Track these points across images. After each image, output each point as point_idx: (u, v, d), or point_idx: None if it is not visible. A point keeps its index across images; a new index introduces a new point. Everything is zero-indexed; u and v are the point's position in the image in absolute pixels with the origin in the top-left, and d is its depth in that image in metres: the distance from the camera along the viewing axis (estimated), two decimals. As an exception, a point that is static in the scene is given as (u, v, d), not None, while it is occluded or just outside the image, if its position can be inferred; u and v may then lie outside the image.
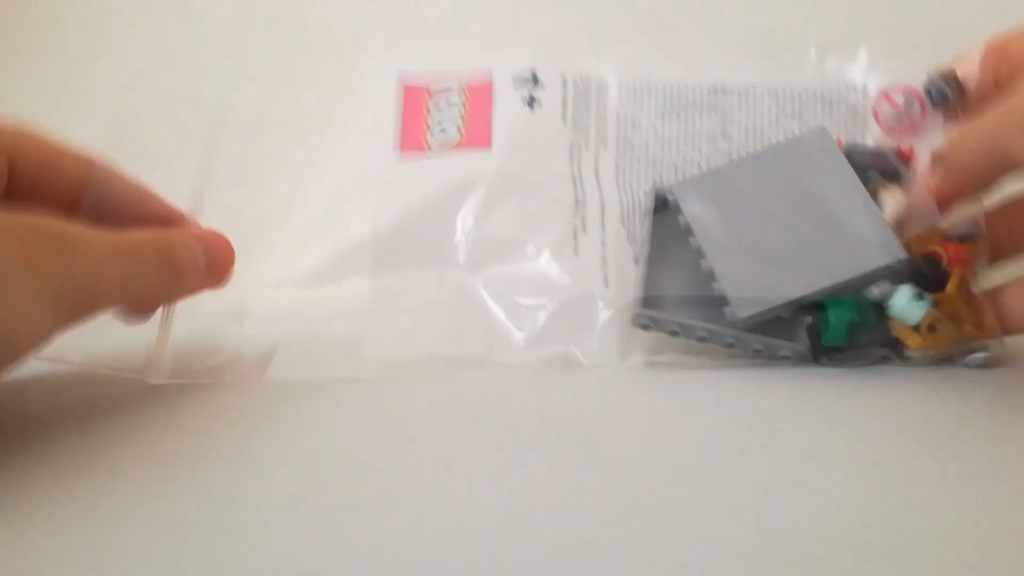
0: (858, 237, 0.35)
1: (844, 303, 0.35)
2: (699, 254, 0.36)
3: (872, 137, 0.40)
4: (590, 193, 0.41)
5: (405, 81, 0.42)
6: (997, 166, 0.34)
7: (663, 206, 0.39)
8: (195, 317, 0.34)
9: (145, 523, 0.22)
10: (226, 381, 0.35)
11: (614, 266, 0.39)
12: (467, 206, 0.40)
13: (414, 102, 0.41)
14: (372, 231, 0.39)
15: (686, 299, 0.37)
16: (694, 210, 0.37)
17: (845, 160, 0.37)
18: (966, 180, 0.35)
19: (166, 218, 0.33)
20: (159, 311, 0.33)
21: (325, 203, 0.40)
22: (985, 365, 0.35)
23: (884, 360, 0.36)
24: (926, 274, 0.35)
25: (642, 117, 0.42)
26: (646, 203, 0.39)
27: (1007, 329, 0.35)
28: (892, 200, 0.36)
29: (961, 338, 0.35)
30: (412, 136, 0.41)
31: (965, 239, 0.36)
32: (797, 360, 0.36)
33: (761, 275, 0.35)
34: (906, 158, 0.38)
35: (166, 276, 0.31)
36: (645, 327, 0.36)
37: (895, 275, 0.34)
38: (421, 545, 0.21)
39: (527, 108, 0.41)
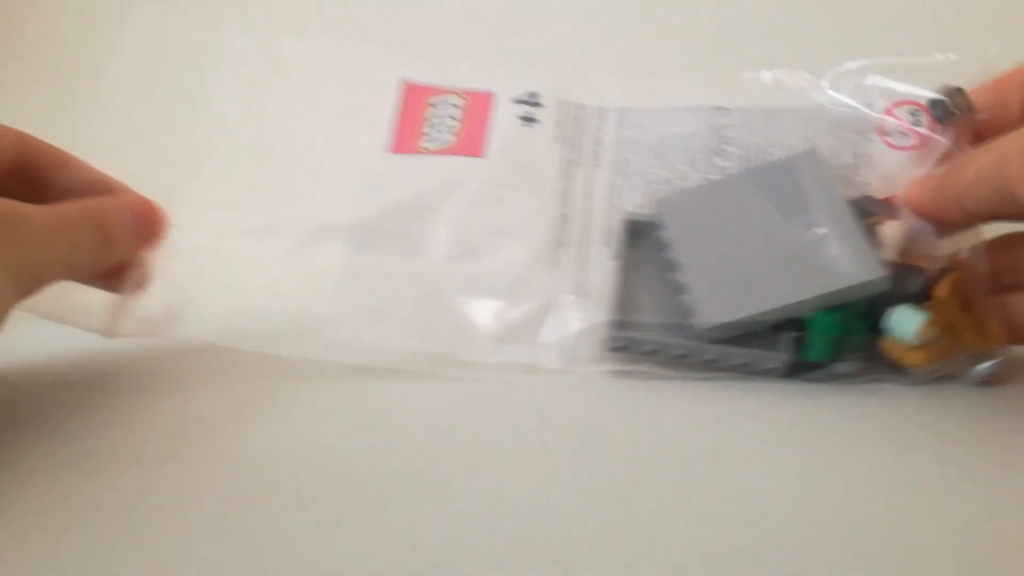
0: (837, 254, 0.33)
1: (830, 317, 0.32)
2: (674, 267, 0.35)
3: (878, 157, 0.38)
4: (577, 209, 0.40)
5: (407, 80, 0.42)
6: (998, 206, 0.31)
7: (646, 229, 0.37)
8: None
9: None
10: (181, 339, 0.36)
11: (592, 281, 0.38)
12: (451, 206, 0.39)
13: (413, 103, 0.42)
14: (352, 216, 0.39)
15: (662, 323, 0.35)
16: (674, 225, 0.36)
17: (833, 181, 0.35)
18: (955, 209, 0.32)
19: (96, 187, 0.34)
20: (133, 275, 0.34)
21: (308, 184, 0.40)
22: (990, 379, 0.32)
23: (879, 380, 0.33)
24: (913, 290, 0.32)
25: (640, 139, 0.41)
26: (624, 223, 0.38)
27: (1016, 338, 0.31)
28: (891, 230, 0.34)
29: (961, 349, 0.32)
30: (406, 137, 0.41)
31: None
32: (779, 375, 0.33)
33: (733, 289, 0.33)
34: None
35: (98, 242, 0.31)
36: (617, 350, 0.35)
37: (874, 291, 0.32)
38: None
39: (523, 124, 0.41)
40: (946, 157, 0.35)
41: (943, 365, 0.32)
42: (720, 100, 0.41)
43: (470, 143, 0.41)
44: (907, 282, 0.32)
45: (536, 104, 0.42)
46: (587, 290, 0.37)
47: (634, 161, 0.41)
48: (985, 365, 0.32)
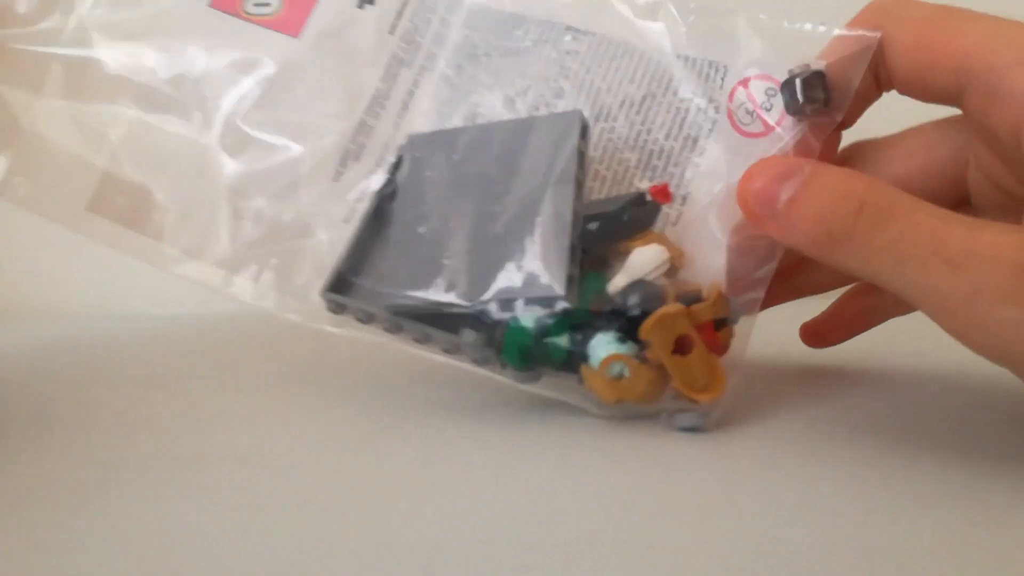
0: (532, 258, 0.27)
1: (524, 324, 0.27)
2: (389, 222, 0.30)
3: (719, 137, 0.30)
4: (386, 120, 0.34)
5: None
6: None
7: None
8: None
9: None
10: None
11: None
12: (244, 90, 0.34)
13: None
14: (152, 72, 0.35)
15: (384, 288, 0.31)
16: (409, 171, 0.32)
17: (574, 163, 0.28)
18: (815, 237, 0.25)
19: None
20: None
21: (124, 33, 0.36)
22: (694, 428, 0.27)
23: (580, 408, 0.29)
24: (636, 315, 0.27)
25: (481, 46, 0.34)
26: (400, 149, 0.33)
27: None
28: (643, 258, 0.27)
29: (660, 392, 0.27)
30: None
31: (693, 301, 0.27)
32: (488, 365, 0.29)
33: (420, 264, 0.29)
34: (664, 198, 0.28)
35: None
36: (335, 311, 0.31)
37: (553, 306, 0.27)
38: None
39: (355, 4, 0.35)
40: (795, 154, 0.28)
41: (638, 405, 0.27)
42: (578, 18, 0.33)
43: (290, 18, 0.35)
44: (639, 304, 0.27)
45: (379, -22, 0.35)
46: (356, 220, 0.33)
47: (468, 73, 0.34)
48: (685, 417, 0.27)
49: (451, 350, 0.29)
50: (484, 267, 0.28)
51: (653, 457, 0.25)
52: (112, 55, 0.35)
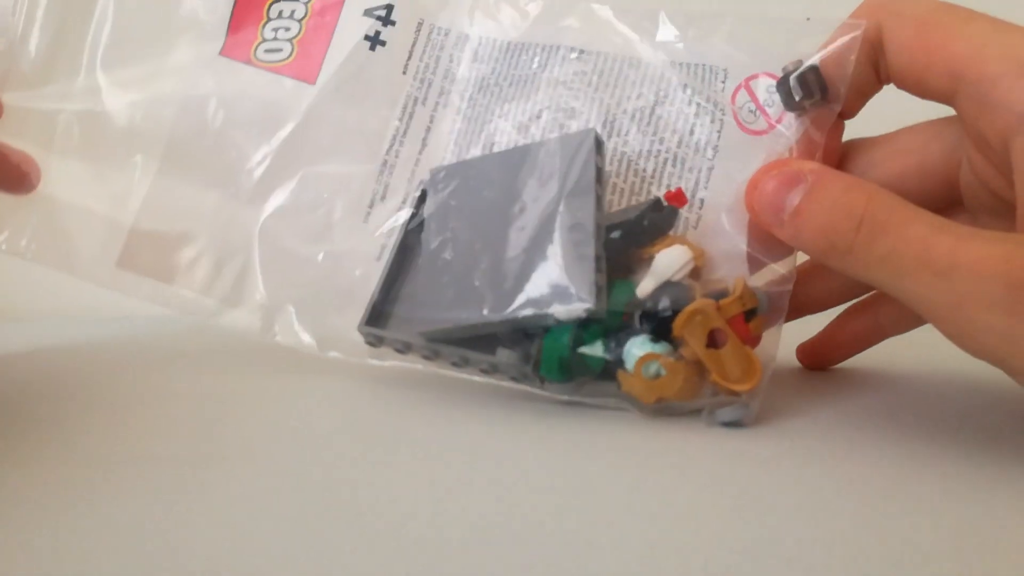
0: (561, 272, 0.28)
1: (559, 336, 0.28)
2: (418, 253, 0.32)
3: (727, 138, 0.31)
4: (406, 157, 0.36)
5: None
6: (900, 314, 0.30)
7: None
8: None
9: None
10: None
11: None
12: (271, 138, 0.36)
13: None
14: (172, 126, 0.36)
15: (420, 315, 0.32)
16: (434, 202, 0.33)
17: (592, 177, 0.29)
18: (820, 248, 0.26)
19: None
20: None
21: (134, 85, 0.36)
22: (737, 422, 0.28)
23: (621, 408, 0.29)
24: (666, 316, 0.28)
25: (492, 76, 0.36)
26: (423, 184, 0.34)
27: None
28: (668, 259, 0.28)
29: (697, 388, 0.28)
30: (242, 37, 0.36)
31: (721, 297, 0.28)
32: (527, 381, 0.30)
33: (457, 290, 0.30)
34: (679, 202, 0.29)
35: None
36: (373, 344, 0.32)
37: (586, 316, 0.28)
38: None
39: (367, 47, 0.37)
40: (799, 153, 0.29)
41: (679, 403, 0.28)
42: (580, 40, 0.34)
43: (305, 62, 0.36)
44: (670, 304, 0.28)
45: (388, 22, 0.37)
46: (387, 255, 0.34)
47: (481, 104, 0.36)
48: (726, 411, 0.27)
49: (489, 370, 0.30)
50: (513, 285, 0.28)
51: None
52: (127, 110, 0.36)
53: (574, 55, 0.35)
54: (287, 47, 0.36)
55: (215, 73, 0.36)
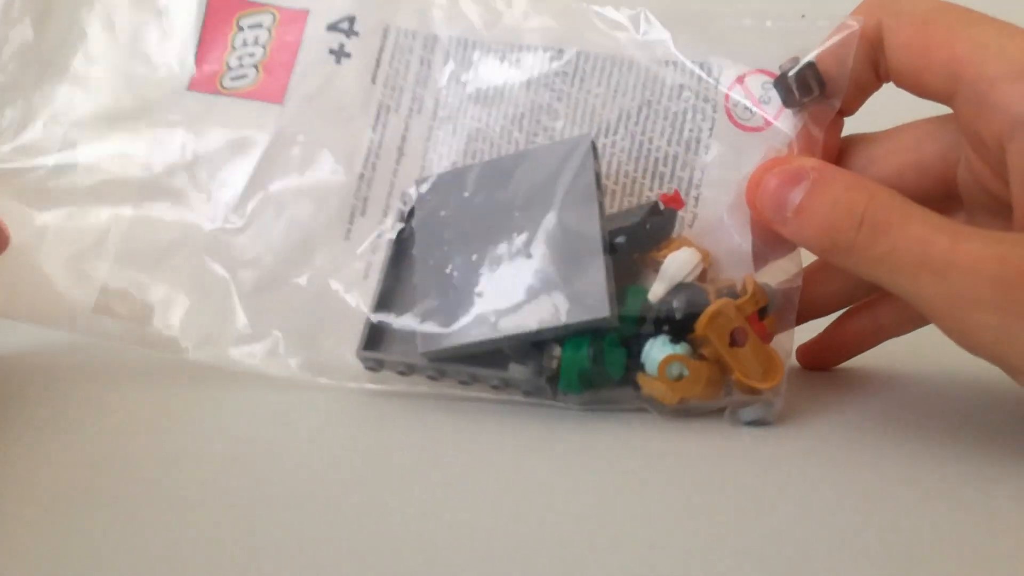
0: (570, 282, 0.28)
1: (577, 353, 0.28)
2: (412, 267, 0.30)
3: (721, 135, 0.31)
4: (384, 169, 0.34)
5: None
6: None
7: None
8: None
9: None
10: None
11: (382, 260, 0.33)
12: (239, 166, 0.34)
13: (219, 20, 0.36)
14: (143, 168, 0.35)
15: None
16: (424, 214, 0.31)
17: (593, 184, 0.29)
18: (822, 245, 0.26)
19: None
20: None
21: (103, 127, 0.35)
22: (762, 420, 0.28)
23: (640, 409, 0.29)
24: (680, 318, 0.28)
25: (470, 80, 0.35)
26: (406, 197, 0.33)
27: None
28: (677, 263, 0.28)
29: (719, 388, 0.28)
30: (208, 68, 0.35)
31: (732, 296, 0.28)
32: (540, 396, 0.29)
33: (458, 306, 0.29)
34: (677, 204, 0.29)
35: None
36: (374, 369, 0.31)
37: (602, 326, 0.28)
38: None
39: (333, 61, 0.35)
40: (799, 149, 0.29)
41: (701, 403, 0.28)
42: (560, 38, 0.34)
43: (271, 84, 0.35)
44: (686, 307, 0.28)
45: (352, 33, 0.35)
46: (375, 274, 0.33)
47: (459, 110, 0.35)
48: (750, 410, 0.27)
49: (500, 386, 0.29)
50: (521, 298, 0.28)
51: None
52: (100, 156, 0.35)
53: (550, 55, 0.34)
54: (252, 72, 0.35)
55: (183, 109, 0.35)
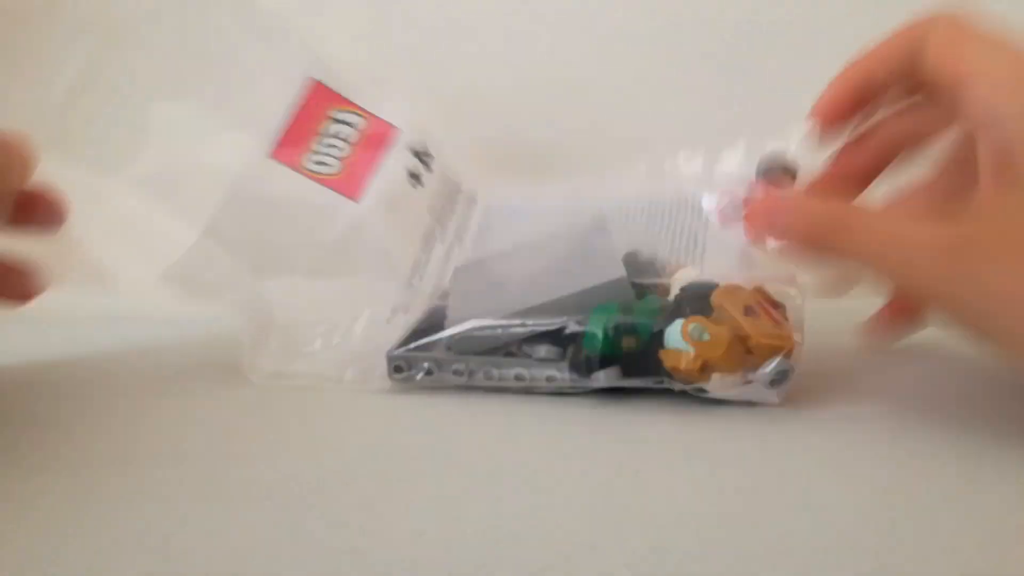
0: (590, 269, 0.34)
1: (605, 310, 0.32)
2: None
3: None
4: (427, 282, 0.40)
5: (315, 79, 0.40)
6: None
7: None
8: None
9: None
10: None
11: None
12: (310, 241, 0.39)
13: (314, 107, 0.40)
14: (218, 203, 0.38)
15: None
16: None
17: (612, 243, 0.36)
18: (809, 246, 0.31)
19: None
20: None
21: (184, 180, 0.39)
22: (783, 373, 0.30)
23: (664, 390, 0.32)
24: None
25: (497, 239, 0.42)
26: None
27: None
28: (684, 275, 0.34)
29: (739, 360, 0.31)
30: (293, 144, 0.39)
31: None
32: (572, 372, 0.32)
33: (486, 298, 0.35)
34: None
35: None
36: (399, 369, 0.35)
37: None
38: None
39: (410, 183, 0.41)
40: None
41: (722, 375, 0.30)
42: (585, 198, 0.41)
43: (351, 181, 0.40)
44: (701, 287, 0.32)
45: (428, 164, 0.42)
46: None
47: (488, 257, 0.41)
48: (773, 365, 0.30)
49: (524, 376, 0.33)
50: (544, 286, 0.34)
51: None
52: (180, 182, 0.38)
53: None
54: (335, 163, 0.40)
55: (265, 170, 0.39)
